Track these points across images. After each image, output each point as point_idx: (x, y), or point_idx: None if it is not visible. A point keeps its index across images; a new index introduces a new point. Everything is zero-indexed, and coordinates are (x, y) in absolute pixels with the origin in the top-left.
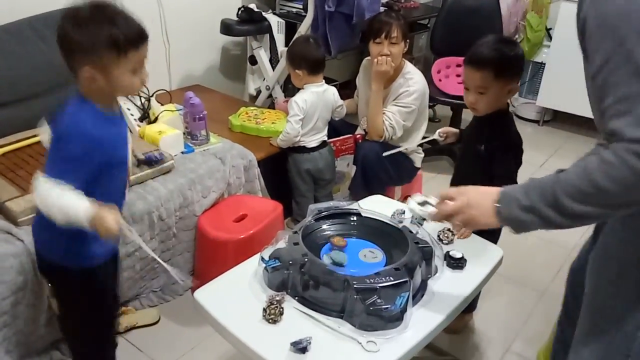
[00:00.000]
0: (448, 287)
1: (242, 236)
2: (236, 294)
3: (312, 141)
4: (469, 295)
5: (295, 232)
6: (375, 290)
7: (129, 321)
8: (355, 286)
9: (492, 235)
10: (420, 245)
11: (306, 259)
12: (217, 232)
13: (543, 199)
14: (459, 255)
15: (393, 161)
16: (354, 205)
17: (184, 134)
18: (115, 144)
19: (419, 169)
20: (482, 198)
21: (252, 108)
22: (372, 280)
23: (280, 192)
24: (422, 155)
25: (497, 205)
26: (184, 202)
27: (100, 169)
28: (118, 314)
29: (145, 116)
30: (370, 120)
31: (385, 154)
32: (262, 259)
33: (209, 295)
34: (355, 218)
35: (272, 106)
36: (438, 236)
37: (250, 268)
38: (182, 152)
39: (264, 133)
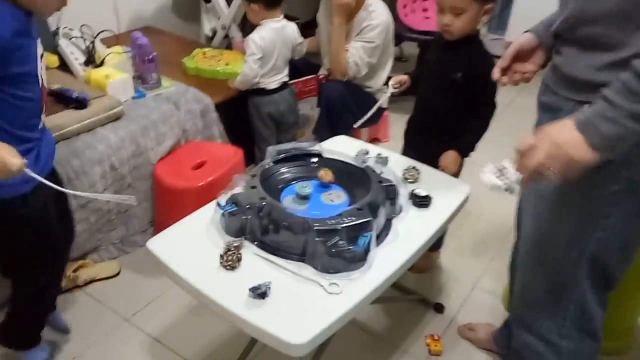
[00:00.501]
0: (413, 226)
1: (201, 183)
2: (192, 242)
3: (272, 82)
4: (434, 233)
5: (254, 176)
6: (337, 231)
7: (88, 274)
8: (316, 228)
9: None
10: (384, 184)
11: (264, 203)
12: (174, 181)
13: (625, 99)
14: (424, 194)
15: (359, 102)
16: (316, 147)
17: (133, 78)
18: (22, 51)
19: (385, 109)
20: (564, 131)
21: (207, 49)
22: (333, 222)
23: (242, 138)
24: (389, 95)
25: (580, 130)
26: (137, 150)
27: (5, 76)
28: (66, 253)
29: (91, 60)
30: (333, 57)
31: (356, 125)
32: (219, 204)
33: (163, 244)
34: (316, 160)
35: (229, 46)
36: (403, 175)
37: (207, 215)
38: (133, 97)
39: (220, 75)
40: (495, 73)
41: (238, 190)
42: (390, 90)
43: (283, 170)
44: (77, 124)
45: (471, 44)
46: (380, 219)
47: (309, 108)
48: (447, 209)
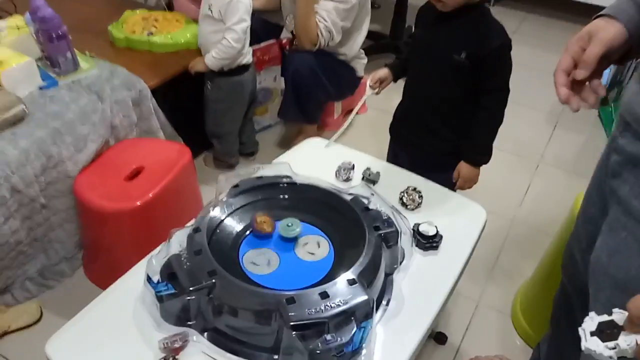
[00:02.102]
0: (422, 281)
1: (138, 202)
2: (112, 341)
3: (248, 54)
4: (451, 288)
5: (196, 230)
6: (323, 325)
7: None
8: (292, 322)
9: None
10: (380, 230)
11: (214, 279)
12: (101, 201)
13: None
14: (431, 232)
15: (330, 73)
16: (281, 169)
17: (40, 59)
18: None
19: (361, 77)
20: None
21: (140, 11)
22: (315, 310)
23: (187, 128)
24: (365, 61)
25: None
26: (49, 162)
27: None
28: None
29: None
30: (300, 23)
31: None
32: (149, 279)
33: (66, 348)
34: (286, 186)
35: (170, 6)
36: (401, 199)
37: (134, 287)
38: (40, 88)
39: (157, 48)
40: (562, 93)
41: (175, 248)
42: (368, 93)
43: (240, 211)
44: None
45: (474, 14)
46: (378, 283)
47: (272, 80)
48: (462, 249)
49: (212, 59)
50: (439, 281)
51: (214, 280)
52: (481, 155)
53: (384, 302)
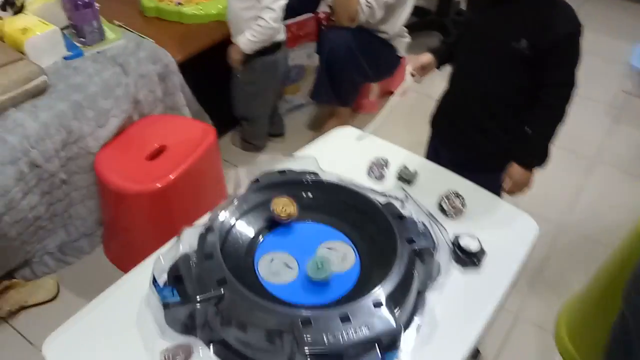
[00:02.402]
0: (459, 301)
1: (158, 185)
2: (112, 346)
3: (282, 30)
4: (492, 313)
5: (209, 230)
6: (341, 354)
7: (14, 300)
8: (307, 348)
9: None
10: (415, 246)
11: (223, 290)
12: (121, 181)
13: None
14: (473, 247)
15: (369, 52)
16: (307, 163)
17: (66, 28)
18: None
19: (402, 58)
20: None
21: None
22: (334, 336)
23: (215, 105)
24: (408, 39)
25: None
26: (69, 138)
27: None
28: None
29: (11, 2)
30: None
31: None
32: (155, 283)
33: (64, 349)
34: (310, 184)
35: None
36: (440, 205)
37: (140, 285)
38: (65, 58)
39: (187, 19)
40: None
41: (185, 247)
42: (408, 81)
43: (259, 210)
44: None
45: None
46: (408, 304)
47: (305, 57)
48: (508, 268)
49: (248, 41)
50: (478, 304)
51: (222, 291)
52: (536, 157)
53: (413, 325)
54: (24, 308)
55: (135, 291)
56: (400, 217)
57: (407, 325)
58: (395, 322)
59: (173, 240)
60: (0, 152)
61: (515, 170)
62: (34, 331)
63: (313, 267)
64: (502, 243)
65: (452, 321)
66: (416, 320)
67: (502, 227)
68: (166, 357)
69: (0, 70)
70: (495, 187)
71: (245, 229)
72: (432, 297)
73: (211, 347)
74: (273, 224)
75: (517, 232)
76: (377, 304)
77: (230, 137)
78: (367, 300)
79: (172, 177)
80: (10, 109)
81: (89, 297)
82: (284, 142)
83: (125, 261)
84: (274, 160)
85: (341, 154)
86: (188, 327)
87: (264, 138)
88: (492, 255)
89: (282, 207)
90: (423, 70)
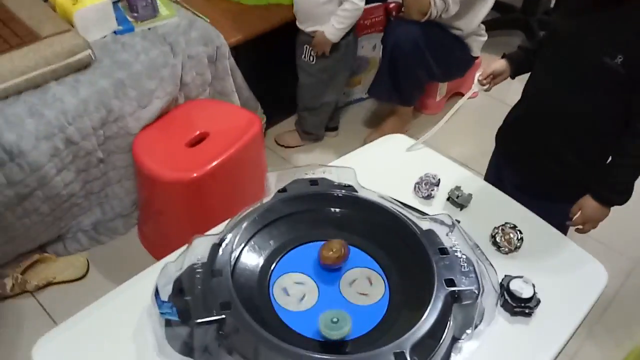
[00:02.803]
0: (501, 355)
1: (195, 174)
2: (105, 356)
3: None
4: None
5: (222, 242)
6: None
7: (45, 274)
8: None
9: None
10: (454, 287)
11: (224, 315)
12: (157, 167)
13: None
14: (526, 293)
15: (438, 50)
16: (344, 175)
17: (118, 2)
18: None
19: (476, 58)
20: None
21: None
22: None
23: (266, 93)
24: (484, 38)
25: None
26: (109, 117)
27: None
28: None
29: None
30: None
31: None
32: (157, 295)
33: (53, 356)
34: (343, 199)
35: None
36: (493, 237)
37: (144, 293)
38: (115, 33)
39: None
40: None
41: (199, 252)
42: (475, 89)
43: (281, 222)
44: (15, 78)
45: None
46: (438, 356)
47: (371, 48)
48: (565, 322)
49: (336, 30)
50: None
51: (223, 316)
52: (618, 193)
53: None
54: (51, 284)
55: (138, 299)
56: (443, 250)
57: None
58: None
59: (182, 250)
60: (35, 126)
61: (589, 204)
62: (58, 308)
63: (327, 322)
64: (561, 292)
65: None
66: None
67: (564, 272)
68: None
69: (45, 42)
70: (560, 219)
71: (265, 244)
72: (469, 348)
73: None
74: (296, 241)
75: (582, 280)
76: (399, 357)
77: (277, 134)
78: (387, 352)
79: (209, 167)
80: (52, 82)
81: (117, 280)
82: (336, 138)
83: (157, 248)
84: (308, 168)
85: (387, 166)
86: (189, 348)
87: (323, 129)
88: (547, 304)
89: (329, 252)
90: (494, 78)
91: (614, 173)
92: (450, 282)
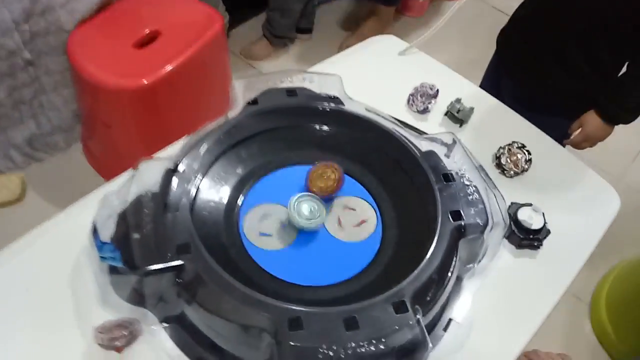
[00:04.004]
0: (506, 295)
1: (145, 81)
2: (31, 309)
3: None
4: (548, 312)
5: (175, 169)
6: None
7: None
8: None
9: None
10: (461, 220)
11: (182, 261)
12: (98, 72)
13: None
14: (536, 224)
15: None
16: (328, 83)
17: None
18: None
19: None
20: None
21: None
22: (333, 347)
23: None
24: None
25: None
26: (34, 7)
27: None
28: None
29: None
30: None
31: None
32: (95, 234)
33: None
34: (327, 114)
35: None
36: (498, 159)
37: (82, 227)
38: None
39: None
40: None
41: (143, 185)
42: None
43: (253, 142)
44: None
45: None
46: (441, 302)
47: None
48: (575, 255)
49: None
50: (532, 300)
51: (181, 262)
52: (627, 111)
53: (442, 322)
54: None
55: (74, 236)
56: (446, 177)
57: (434, 322)
58: (426, 341)
59: (128, 173)
60: None
61: (592, 121)
62: None
63: (297, 209)
64: (571, 220)
65: (494, 320)
66: (445, 314)
67: (574, 197)
68: (101, 341)
69: None
70: (556, 136)
71: (231, 169)
72: (471, 286)
73: (165, 327)
74: (270, 165)
75: (593, 207)
76: (399, 307)
77: (254, 44)
78: (384, 300)
79: (162, 72)
80: None
81: (60, 204)
82: (310, 41)
83: (106, 166)
84: (283, 74)
85: (376, 73)
86: (140, 296)
87: (294, 30)
88: (557, 235)
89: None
90: None
91: (627, 86)
92: (457, 215)
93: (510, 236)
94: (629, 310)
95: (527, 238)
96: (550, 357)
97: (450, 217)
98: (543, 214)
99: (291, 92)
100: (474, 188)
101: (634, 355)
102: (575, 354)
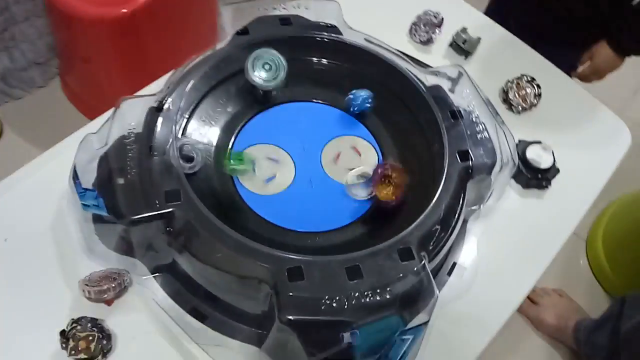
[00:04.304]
0: (511, 235)
1: (124, 10)
2: (11, 261)
3: None
4: (555, 254)
5: (160, 107)
6: (341, 325)
7: None
8: (289, 317)
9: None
10: (469, 161)
11: (171, 209)
12: (74, 0)
13: None
14: (546, 162)
15: None
16: (325, 11)
17: None
18: None
19: None
20: None
21: None
22: (335, 297)
23: None
24: None
25: None
26: None
27: None
28: None
29: None
30: None
31: None
32: (76, 179)
33: None
34: (325, 45)
35: None
36: (505, 93)
37: (65, 170)
38: None
39: None
40: None
41: (126, 125)
42: None
43: (243, 76)
44: None
45: None
46: (447, 246)
47: None
48: (583, 194)
49: None
50: (539, 241)
51: (172, 210)
52: (638, 42)
53: (445, 267)
54: None
55: (57, 180)
56: (454, 113)
57: (439, 267)
58: (434, 290)
59: (110, 113)
60: None
61: (603, 52)
62: None
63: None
64: (580, 157)
65: (500, 262)
66: (450, 259)
67: (585, 134)
68: (87, 293)
69: None
70: (564, 68)
71: (221, 106)
72: (476, 229)
73: (156, 277)
74: (265, 102)
75: (604, 144)
76: (405, 254)
77: None
78: (390, 247)
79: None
80: None
81: (39, 143)
82: None
83: (88, 104)
84: (276, 0)
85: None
86: (129, 245)
87: None
88: (565, 173)
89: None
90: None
91: None
92: (465, 155)
93: (517, 176)
94: (626, 244)
95: (535, 177)
96: (546, 292)
97: (457, 157)
98: (552, 152)
99: (285, 20)
100: (482, 126)
101: (629, 288)
102: (570, 289)
